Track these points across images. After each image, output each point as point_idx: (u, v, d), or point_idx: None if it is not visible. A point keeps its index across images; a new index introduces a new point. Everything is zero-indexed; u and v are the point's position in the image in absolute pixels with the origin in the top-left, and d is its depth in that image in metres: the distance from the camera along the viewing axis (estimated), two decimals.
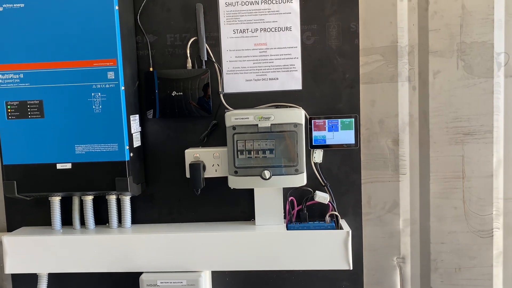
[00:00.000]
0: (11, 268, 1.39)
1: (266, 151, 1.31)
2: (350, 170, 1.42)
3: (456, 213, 1.44)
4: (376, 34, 1.41)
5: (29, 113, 1.29)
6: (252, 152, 1.32)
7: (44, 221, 1.49)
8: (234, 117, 1.30)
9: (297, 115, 1.30)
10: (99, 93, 1.27)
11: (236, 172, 1.32)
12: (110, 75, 1.26)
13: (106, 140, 1.29)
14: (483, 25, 1.38)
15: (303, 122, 1.30)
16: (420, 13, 1.40)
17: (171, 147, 1.45)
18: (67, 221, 1.46)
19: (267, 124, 1.29)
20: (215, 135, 1.44)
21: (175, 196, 1.47)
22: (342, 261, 1.33)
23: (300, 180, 1.31)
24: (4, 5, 1.26)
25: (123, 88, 1.28)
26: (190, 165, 1.35)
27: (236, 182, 1.33)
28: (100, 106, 1.27)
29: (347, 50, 1.39)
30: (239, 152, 1.32)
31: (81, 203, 1.44)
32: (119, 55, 1.26)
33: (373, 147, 1.44)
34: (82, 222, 1.45)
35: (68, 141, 1.29)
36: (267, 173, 1.29)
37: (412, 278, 1.48)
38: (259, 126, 1.29)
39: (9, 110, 1.29)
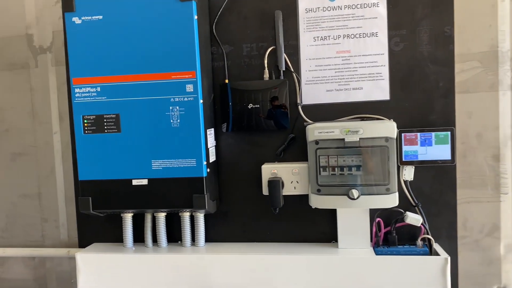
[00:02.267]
0: (84, 285, 1.36)
1: (353, 168, 1.20)
2: (444, 189, 1.28)
3: None
4: (473, 39, 1.27)
5: (106, 128, 1.26)
6: (336, 168, 1.21)
7: (115, 237, 1.45)
8: (317, 130, 1.21)
9: (389, 128, 1.18)
10: (177, 107, 1.21)
11: (319, 190, 1.22)
12: (189, 87, 1.21)
13: (184, 155, 1.23)
14: None
15: (395, 136, 1.18)
16: None
17: (246, 162, 1.37)
18: (138, 238, 1.42)
19: (355, 138, 1.18)
20: (292, 149, 1.35)
21: (249, 214, 1.39)
22: None
23: (392, 200, 1.19)
24: (83, 18, 1.23)
25: (201, 101, 1.21)
26: (269, 181, 1.26)
27: (318, 202, 1.23)
28: (178, 120, 1.22)
29: (441, 56, 1.26)
30: (321, 169, 1.22)
31: (154, 220, 1.39)
32: (197, 67, 1.20)
33: (470, 163, 1.30)
34: (154, 239, 1.40)
35: (144, 156, 1.25)
36: (355, 193, 1.18)
37: None
38: (345, 140, 1.19)
39: (85, 125, 1.26)
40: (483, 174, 1.29)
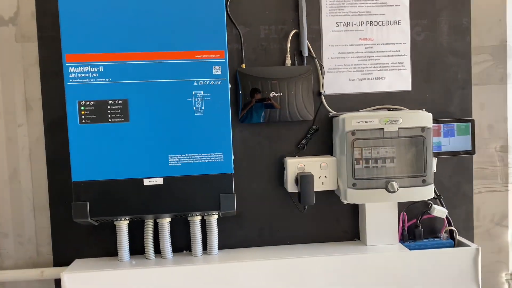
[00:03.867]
0: None
1: (387, 160, 1.14)
2: (462, 180, 1.29)
3: None
4: (485, 32, 1.30)
5: (110, 116, 1.03)
6: (370, 161, 1.14)
7: (101, 251, 1.22)
8: (355, 120, 1.12)
9: (425, 118, 1.14)
10: (202, 92, 1.04)
11: (354, 184, 1.14)
12: (216, 70, 1.04)
13: (209, 149, 1.05)
14: None
15: (431, 126, 1.15)
16: None
17: (262, 156, 1.24)
18: (133, 250, 1.19)
19: (394, 128, 1.13)
20: (312, 142, 1.25)
21: (266, 214, 1.25)
22: (470, 282, 1.18)
23: (428, 192, 1.15)
24: None
25: (230, 86, 1.05)
26: (301, 177, 1.14)
27: (355, 197, 1.14)
28: (203, 107, 1.04)
29: (459, 48, 1.27)
30: (355, 161, 1.14)
31: (155, 227, 1.18)
32: (226, 46, 1.04)
33: (482, 154, 1.32)
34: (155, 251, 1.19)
35: (159, 150, 1.04)
36: (395, 185, 1.12)
37: None
38: (385, 130, 1.13)
39: (83, 112, 1.02)
40: (494, 165, 1.32)
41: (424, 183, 1.15)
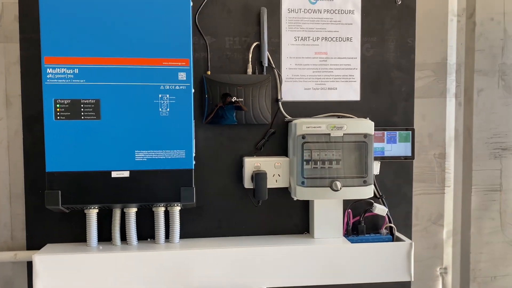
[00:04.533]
0: None
1: (333, 162, 1.28)
2: (402, 182, 1.44)
3: (493, 224, 1.52)
4: (429, 51, 1.46)
5: (83, 114, 1.14)
6: (318, 162, 1.28)
7: (71, 237, 1.32)
8: (305, 125, 1.26)
9: (368, 125, 1.29)
10: (167, 95, 1.16)
11: (303, 182, 1.27)
12: (181, 75, 1.16)
13: (172, 146, 1.17)
14: None
15: (372, 133, 1.29)
16: (468, 34, 1.48)
17: (224, 155, 1.36)
18: (101, 237, 1.30)
19: (339, 133, 1.27)
20: (269, 143, 1.38)
21: (225, 208, 1.38)
22: (404, 273, 1.32)
23: (368, 191, 1.29)
24: None
25: (193, 90, 1.18)
26: (256, 174, 1.27)
27: (303, 193, 1.28)
28: (168, 109, 1.16)
29: (404, 64, 1.42)
30: (305, 162, 1.27)
31: (122, 216, 1.29)
32: (191, 55, 1.17)
33: (422, 160, 1.48)
34: (121, 238, 1.30)
35: (127, 146, 1.16)
36: (338, 184, 1.26)
37: (453, 287, 1.53)
38: (331, 135, 1.26)
39: (58, 110, 1.13)
40: (433, 170, 1.48)
41: (365, 183, 1.29)
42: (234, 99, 1.31)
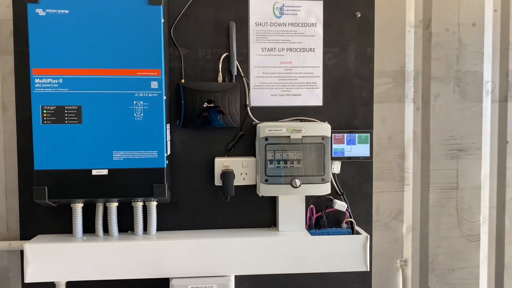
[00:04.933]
0: (32, 277, 1.35)
1: (295, 161, 1.41)
2: (363, 181, 1.56)
3: (451, 220, 1.63)
4: (387, 59, 1.58)
5: (66, 118, 1.29)
6: (281, 161, 1.41)
7: (60, 229, 1.46)
8: (267, 128, 1.39)
9: (325, 128, 1.42)
10: (141, 102, 1.30)
11: (266, 180, 1.41)
12: (154, 84, 1.31)
13: (146, 147, 1.32)
14: (475, 57, 1.60)
15: (329, 135, 1.42)
16: (424, 43, 1.60)
17: (197, 155, 1.50)
18: (86, 229, 1.45)
19: (298, 136, 1.40)
20: (240, 145, 1.51)
21: (199, 204, 1.52)
22: (360, 263, 1.45)
23: (326, 188, 1.42)
24: (47, 10, 1.26)
25: (165, 97, 1.32)
26: (223, 173, 1.41)
27: (266, 190, 1.41)
28: (142, 114, 1.31)
29: (363, 72, 1.54)
30: (269, 162, 1.41)
31: (104, 211, 1.44)
32: (163, 65, 1.31)
33: (382, 160, 1.60)
34: (104, 230, 1.45)
35: (105, 147, 1.31)
36: (297, 182, 1.39)
37: (413, 279, 1.64)
38: (291, 137, 1.40)
39: (44, 115, 1.28)
40: (392, 169, 1.60)
41: (323, 181, 1.42)
42: (205, 105, 1.45)
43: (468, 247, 1.64)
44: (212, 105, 1.46)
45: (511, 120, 1.64)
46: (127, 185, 1.32)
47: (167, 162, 1.37)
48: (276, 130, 1.40)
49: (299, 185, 1.39)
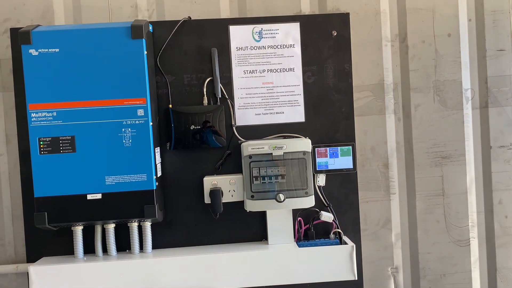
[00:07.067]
0: None
1: (279, 177, 1.48)
2: (348, 191, 1.61)
3: (439, 226, 1.66)
4: (366, 74, 1.64)
5: (61, 148, 1.39)
6: (266, 178, 1.48)
7: (64, 251, 1.56)
8: (250, 147, 1.47)
9: (306, 144, 1.48)
10: (129, 129, 1.40)
11: (252, 196, 1.48)
12: (140, 112, 1.40)
13: (135, 171, 1.41)
14: (452, 66, 1.65)
15: (310, 150, 1.48)
16: (402, 56, 1.66)
17: (188, 176, 1.58)
18: (88, 250, 1.54)
19: (280, 152, 1.47)
20: (228, 163, 1.59)
21: (191, 221, 1.59)
22: (348, 273, 1.49)
23: (310, 201, 1.48)
24: (39, 50, 1.37)
25: (151, 123, 1.41)
26: (211, 191, 1.49)
27: (253, 206, 1.48)
28: (130, 140, 1.40)
29: (342, 87, 1.60)
30: (254, 178, 1.48)
31: (103, 232, 1.53)
32: (147, 94, 1.40)
33: (367, 170, 1.65)
34: (103, 250, 1.54)
35: (98, 173, 1.40)
36: (281, 196, 1.45)
37: (405, 286, 1.68)
38: (273, 154, 1.47)
39: (41, 146, 1.39)
40: (377, 179, 1.65)
41: (307, 194, 1.48)
42: (192, 127, 1.53)
43: (458, 252, 1.67)
44: (200, 127, 1.54)
45: (493, 125, 1.67)
46: (120, 208, 1.41)
47: (157, 183, 1.45)
48: (258, 148, 1.47)
49: (284, 200, 1.46)
